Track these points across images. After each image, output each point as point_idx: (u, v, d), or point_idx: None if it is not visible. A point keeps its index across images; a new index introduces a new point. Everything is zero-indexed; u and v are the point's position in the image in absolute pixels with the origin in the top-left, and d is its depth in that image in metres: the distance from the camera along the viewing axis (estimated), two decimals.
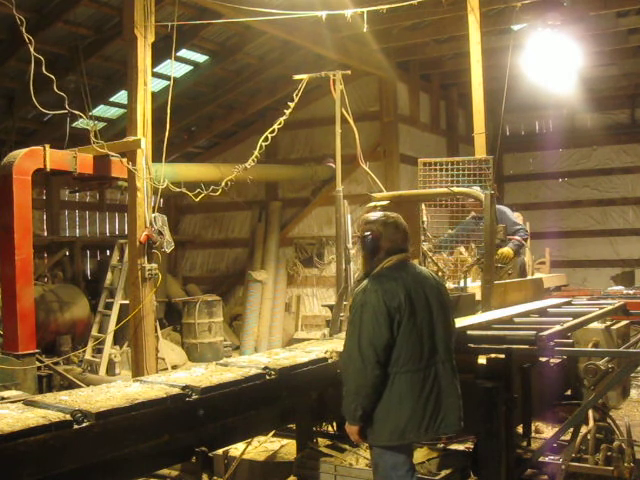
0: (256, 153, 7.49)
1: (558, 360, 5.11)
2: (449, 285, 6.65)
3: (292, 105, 7.42)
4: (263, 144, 7.39)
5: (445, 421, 3.65)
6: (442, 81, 14.23)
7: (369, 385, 3.56)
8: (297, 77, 7.47)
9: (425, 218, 6.83)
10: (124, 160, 7.00)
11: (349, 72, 7.21)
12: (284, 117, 7.48)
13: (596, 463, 4.56)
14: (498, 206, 7.79)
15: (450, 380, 3.71)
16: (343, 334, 5.38)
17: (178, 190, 7.33)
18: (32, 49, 6.13)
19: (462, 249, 7.32)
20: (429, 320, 3.70)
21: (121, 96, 10.89)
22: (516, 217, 7.82)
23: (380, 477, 3.71)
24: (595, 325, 5.52)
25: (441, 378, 3.67)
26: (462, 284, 6.26)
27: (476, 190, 6.35)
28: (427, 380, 3.63)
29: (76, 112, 6.65)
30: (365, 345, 3.55)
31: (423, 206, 6.85)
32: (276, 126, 7.48)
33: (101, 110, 11.58)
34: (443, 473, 4.24)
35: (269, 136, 7.42)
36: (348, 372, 3.63)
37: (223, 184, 7.55)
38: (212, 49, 10.91)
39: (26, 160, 7.06)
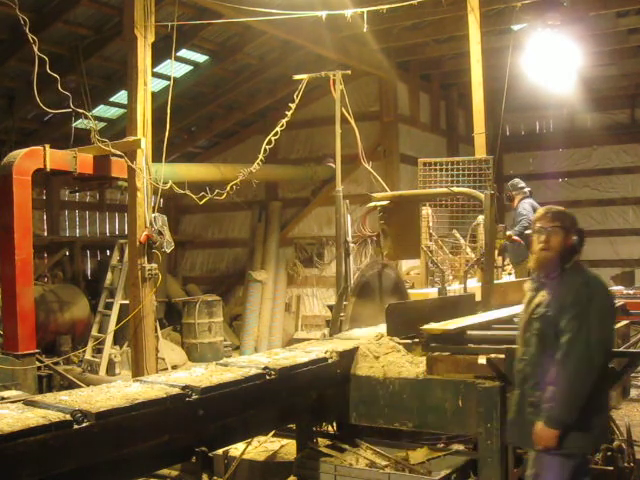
0: (260, 157, 7.49)
1: None
2: (453, 285, 6.67)
3: (293, 106, 7.43)
4: (267, 147, 7.39)
5: None
6: (442, 81, 14.22)
7: (589, 387, 3.36)
8: (297, 77, 7.48)
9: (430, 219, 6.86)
10: (127, 159, 7.00)
11: (349, 72, 7.22)
12: (286, 119, 7.48)
13: (596, 463, 4.55)
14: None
15: None
16: (343, 334, 5.39)
17: (182, 192, 7.32)
18: (36, 49, 6.13)
19: (468, 249, 7.33)
20: None
21: (121, 96, 10.88)
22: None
23: None
24: None
25: None
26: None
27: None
28: None
29: (80, 110, 6.65)
30: (596, 346, 3.38)
31: (428, 206, 6.86)
32: (278, 128, 7.48)
33: (101, 110, 11.57)
34: (443, 473, 4.23)
35: (272, 139, 7.42)
36: (569, 372, 3.37)
37: (228, 188, 7.53)
38: (212, 49, 10.91)
39: (26, 160, 7.06)
